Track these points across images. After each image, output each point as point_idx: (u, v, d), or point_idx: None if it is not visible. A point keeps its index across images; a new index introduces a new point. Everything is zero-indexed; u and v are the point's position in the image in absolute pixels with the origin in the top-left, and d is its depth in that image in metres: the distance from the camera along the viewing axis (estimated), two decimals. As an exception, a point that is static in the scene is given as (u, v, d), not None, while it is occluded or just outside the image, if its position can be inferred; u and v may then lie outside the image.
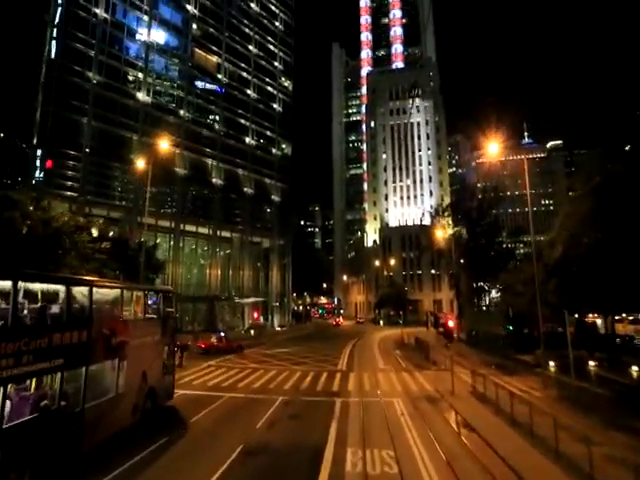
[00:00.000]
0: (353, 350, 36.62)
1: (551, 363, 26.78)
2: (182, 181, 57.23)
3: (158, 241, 56.42)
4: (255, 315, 51.75)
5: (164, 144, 40.38)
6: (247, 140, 69.53)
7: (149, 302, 14.57)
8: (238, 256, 66.29)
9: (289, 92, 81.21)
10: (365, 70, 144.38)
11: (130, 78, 53.30)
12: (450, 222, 56.75)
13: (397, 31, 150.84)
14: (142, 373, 12.89)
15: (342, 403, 16.31)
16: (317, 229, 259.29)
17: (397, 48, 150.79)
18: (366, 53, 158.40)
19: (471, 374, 19.46)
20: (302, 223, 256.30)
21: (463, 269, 51.04)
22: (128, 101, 52.36)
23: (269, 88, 76.18)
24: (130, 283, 30.73)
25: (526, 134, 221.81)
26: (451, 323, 18.28)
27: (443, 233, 50.62)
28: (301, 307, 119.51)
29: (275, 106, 76.76)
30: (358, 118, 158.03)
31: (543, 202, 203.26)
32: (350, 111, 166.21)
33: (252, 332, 51.32)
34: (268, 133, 74.50)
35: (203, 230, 60.13)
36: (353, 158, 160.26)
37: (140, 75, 54.27)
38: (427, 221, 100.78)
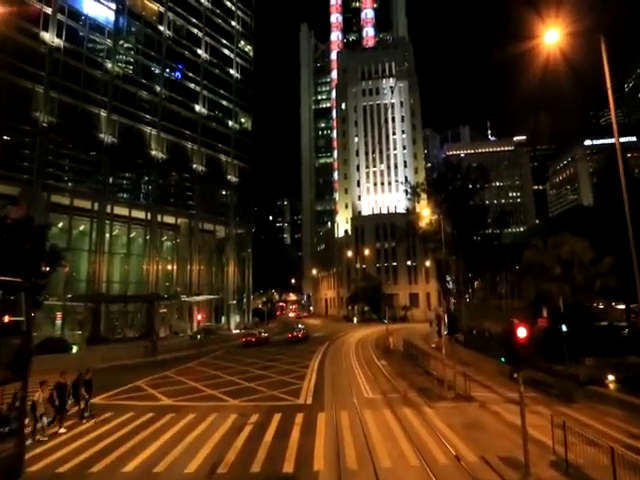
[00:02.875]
0: (323, 361, 27.36)
1: (610, 377, 18.77)
2: (109, 151, 45.60)
3: (82, 228, 45.08)
4: (200, 317, 41.43)
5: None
6: (197, 108, 58.45)
7: None
8: (186, 246, 55.33)
9: (249, 58, 70.53)
10: (335, 54, 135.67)
11: (32, 13, 40.51)
12: (427, 202, 48.97)
13: (368, 14, 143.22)
14: None
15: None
16: (286, 224, 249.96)
17: (368, 31, 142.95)
18: (336, 36, 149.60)
19: (551, 421, 10.54)
20: (270, 218, 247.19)
21: (453, 255, 43.16)
22: (30, 42, 39.94)
23: (225, 50, 65.22)
24: None
25: (489, 132, 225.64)
26: (522, 333, 8.65)
27: (430, 213, 42.37)
28: (267, 304, 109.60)
29: (232, 72, 65.93)
30: (328, 105, 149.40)
31: (511, 194, 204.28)
32: (319, 97, 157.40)
33: (199, 337, 41.07)
34: (224, 103, 63.63)
35: (139, 214, 48.74)
36: (323, 147, 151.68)
37: (48, 10, 41.67)
38: (402, 208, 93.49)
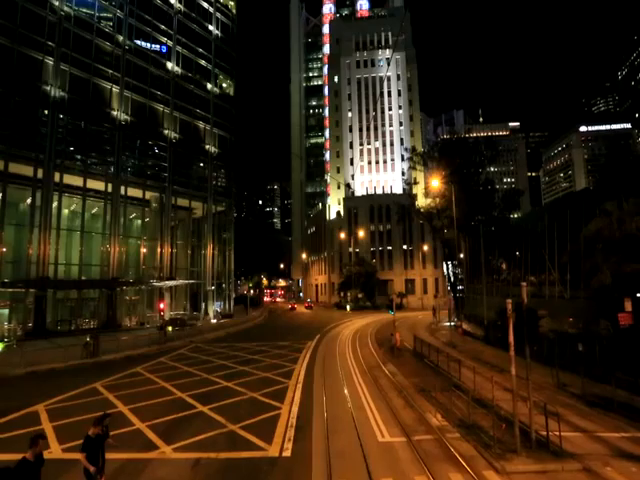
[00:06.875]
0: (312, 366, 21.07)
1: None
2: (56, 107, 37.87)
3: (28, 201, 37.49)
4: (162, 305, 34.88)
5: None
6: (169, 65, 50.56)
7: None
8: (157, 224, 48.23)
9: (231, 15, 62.26)
10: (327, 27, 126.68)
11: None
12: (435, 171, 42.75)
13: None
14: None
15: None
16: (276, 209, 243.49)
17: (362, 4, 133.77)
18: (329, 8, 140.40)
19: None
20: (260, 203, 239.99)
21: (466, 236, 37.06)
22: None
23: (203, 3, 56.99)
24: None
25: (481, 119, 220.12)
26: None
27: (439, 183, 35.94)
28: (255, 290, 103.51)
29: (211, 28, 57.79)
30: (319, 82, 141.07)
31: (505, 180, 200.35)
32: (311, 74, 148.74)
33: (170, 329, 34.49)
34: (202, 62, 55.67)
35: (96, 185, 41.33)
36: (314, 126, 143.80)
37: None
38: (399, 187, 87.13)
